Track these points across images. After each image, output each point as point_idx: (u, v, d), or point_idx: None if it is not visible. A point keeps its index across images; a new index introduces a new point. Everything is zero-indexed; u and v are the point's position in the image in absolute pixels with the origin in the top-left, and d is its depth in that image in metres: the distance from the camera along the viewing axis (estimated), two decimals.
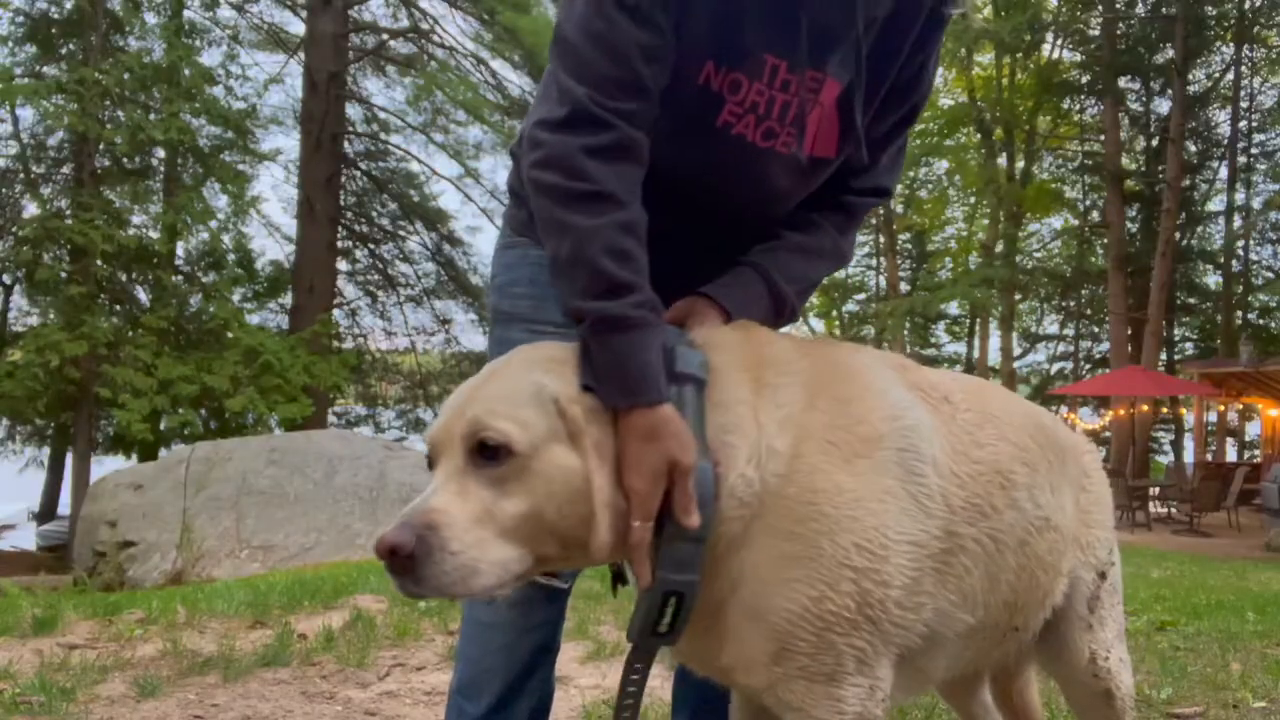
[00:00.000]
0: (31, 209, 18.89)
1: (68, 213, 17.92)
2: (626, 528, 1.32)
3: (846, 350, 1.59)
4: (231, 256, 20.66)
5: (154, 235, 19.30)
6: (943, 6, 1.61)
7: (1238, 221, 26.77)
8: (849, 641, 1.37)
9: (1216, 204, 28.08)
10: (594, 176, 1.39)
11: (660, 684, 2.66)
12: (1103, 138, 26.70)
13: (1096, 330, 31.04)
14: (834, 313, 35.28)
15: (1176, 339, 29.80)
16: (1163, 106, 27.11)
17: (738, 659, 1.40)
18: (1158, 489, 19.04)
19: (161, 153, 19.48)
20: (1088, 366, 30.96)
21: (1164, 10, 24.66)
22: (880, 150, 1.71)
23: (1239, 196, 26.70)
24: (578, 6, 1.45)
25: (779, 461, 1.37)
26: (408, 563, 1.23)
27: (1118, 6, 25.68)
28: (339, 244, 21.94)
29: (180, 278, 20.08)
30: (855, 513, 1.37)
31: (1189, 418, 26.59)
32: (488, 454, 1.29)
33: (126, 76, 17.79)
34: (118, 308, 19.33)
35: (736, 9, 1.50)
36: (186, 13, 19.97)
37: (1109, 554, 1.89)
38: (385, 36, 22.33)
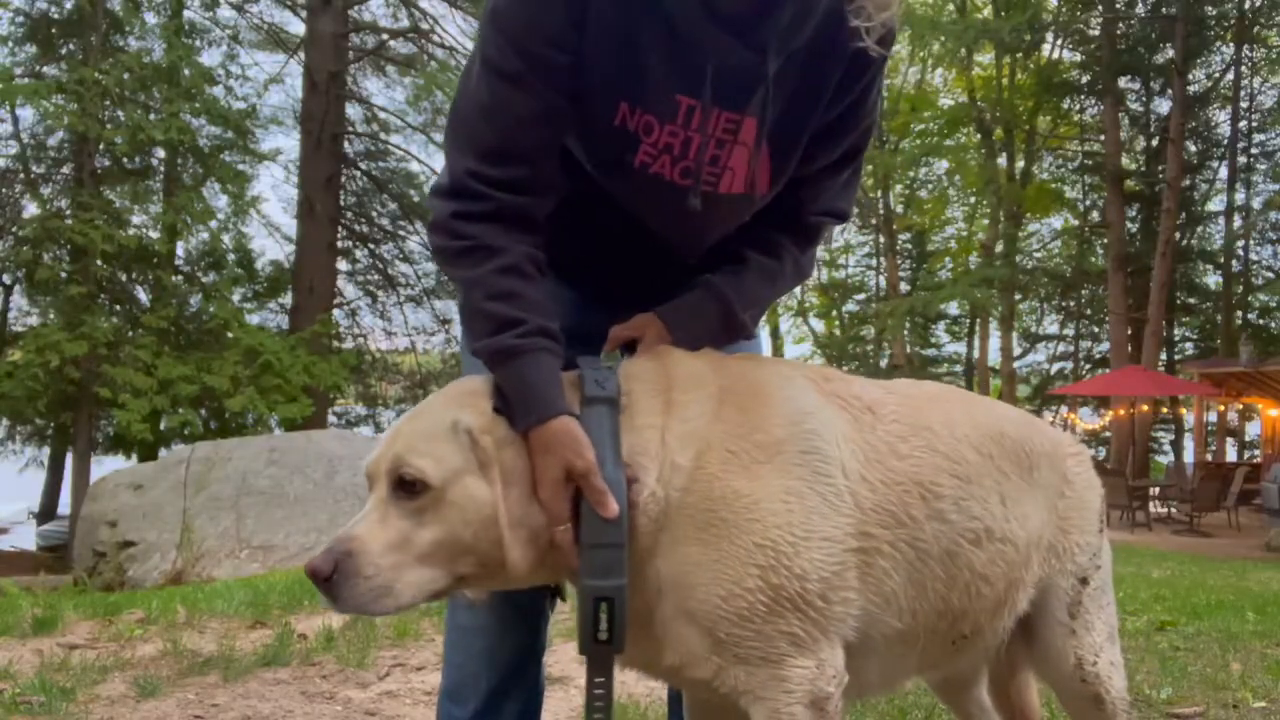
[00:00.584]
0: (31, 209, 18.91)
1: (68, 213, 17.93)
2: (549, 543, 1.42)
3: (760, 363, 1.68)
4: (231, 256, 20.66)
5: (154, 235, 19.30)
6: (866, 48, 1.58)
7: (1238, 221, 26.77)
8: (776, 627, 1.44)
9: (1216, 204, 28.11)
10: (468, 234, 1.51)
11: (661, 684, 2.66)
12: (1103, 138, 26.69)
13: (1096, 330, 31.04)
14: (834, 313, 35.27)
15: (1176, 339, 29.79)
16: (1163, 106, 27.12)
17: (680, 657, 1.48)
18: (1158, 489, 19.04)
19: (161, 153, 19.48)
20: (1088, 366, 30.95)
21: (1164, 10, 24.65)
22: (824, 184, 1.73)
23: (1239, 196, 26.72)
24: (470, 81, 1.55)
25: (681, 475, 1.47)
26: (328, 585, 1.38)
27: (1118, 6, 25.67)
28: (339, 244, 21.94)
29: (180, 278, 20.08)
30: (754, 514, 1.46)
31: (1189, 418, 26.59)
32: (406, 488, 1.42)
33: (126, 76, 17.79)
34: (118, 308, 19.33)
35: (643, 54, 1.52)
36: (186, 13, 19.98)
37: (1091, 559, 1.88)
38: (385, 36, 22.33)
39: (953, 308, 31.78)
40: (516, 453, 1.45)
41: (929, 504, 1.60)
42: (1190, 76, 25.14)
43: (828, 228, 1.82)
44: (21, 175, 19.31)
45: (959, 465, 1.65)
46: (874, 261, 34.85)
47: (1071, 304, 31.20)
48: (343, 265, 23.17)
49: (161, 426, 17.81)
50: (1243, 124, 26.49)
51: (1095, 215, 29.49)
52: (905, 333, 31.23)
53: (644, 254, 1.73)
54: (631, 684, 3.27)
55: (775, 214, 1.72)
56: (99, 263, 17.76)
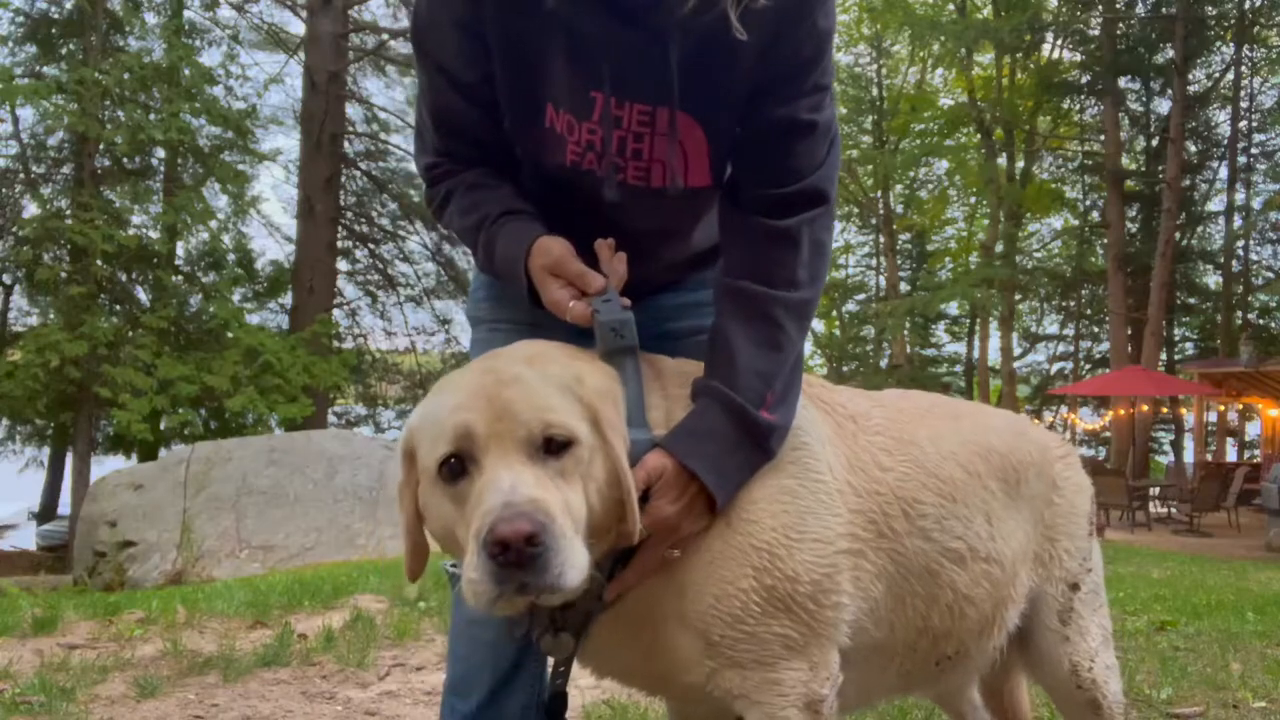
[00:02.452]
0: (31, 209, 18.90)
1: (68, 213, 17.93)
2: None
3: None
4: (231, 256, 20.66)
5: (154, 235, 19.30)
6: (775, 53, 1.46)
7: (1238, 221, 26.73)
8: (769, 630, 1.42)
9: (1216, 204, 28.09)
10: (438, 197, 1.68)
11: None
12: (1103, 138, 26.69)
13: (1096, 330, 31.03)
14: (834, 313, 35.28)
15: (1176, 339, 29.78)
16: (1163, 106, 27.10)
17: (674, 661, 1.45)
18: (1158, 489, 19.04)
19: (161, 153, 19.48)
20: (1088, 366, 30.94)
21: (1164, 10, 24.64)
22: (782, 160, 1.55)
23: (1239, 196, 26.68)
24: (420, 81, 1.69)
25: None
26: (533, 554, 1.18)
27: (1118, 6, 25.65)
28: (339, 244, 21.93)
29: (180, 278, 20.08)
30: (750, 514, 1.44)
31: (1189, 418, 26.57)
32: (553, 448, 1.29)
33: (126, 76, 17.79)
34: (118, 308, 19.31)
35: (549, 54, 1.51)
36: (186, 13, 19.99)
37: (1081, 563, 1.86)
38: (385, 36, 22.32)
39: (953, 308, 31.79)
40: (615, 409, 1.38)
41: (911, 520, 1.58)
42: (1190, 76, 25.13)
43: (810, 225, 1.55)
44: (21, 175, 19.29)
45: (945, 484, 1.64)
46: (874, 261, 34.87)
47: (1071, 304, 31.20)
48: (343, 265, 23.16)
49: (161, 426, 17.81)
50: (1243, 124, 26.47)
51: (1095, 215, 29.48)
52: (905, 333, 31.23)
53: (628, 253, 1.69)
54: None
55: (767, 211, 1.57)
56: (99, 263, 17.75)
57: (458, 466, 1.29)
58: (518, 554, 1.17)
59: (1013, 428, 1.87)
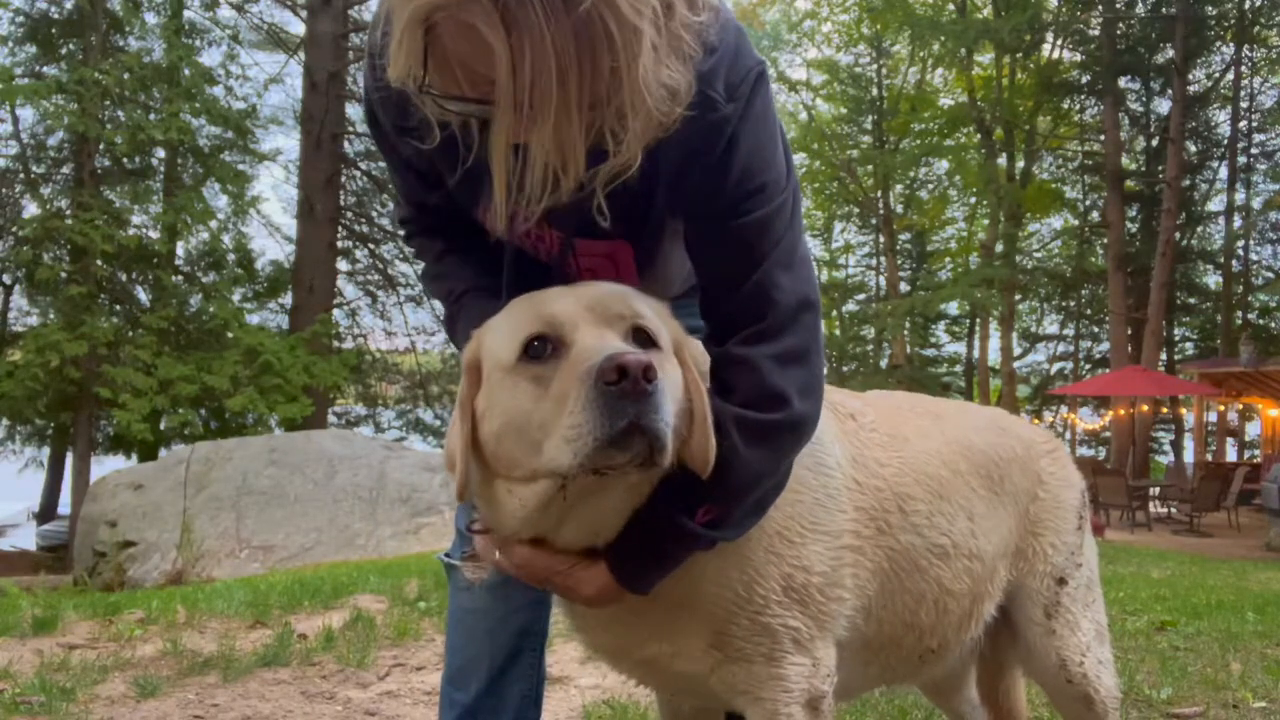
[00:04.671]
0: (31, 209, 18.93)
1: (68, 213, 17.94)
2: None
3: None
4: (231, 256, 20.68)
5: (154, 235, 19.32)
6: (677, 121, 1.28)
7: (1238, 221, 26.74)
8: (782, 622, 1.41)
9: (1216, 204, 28.09)
10: (414, 249, 1.69)
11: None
12: (1103, 138, 26.68)
13: (1096, 330, 31.05)
14: (834, 313, 35.29)
15: (1176, 339, 29.78)
16: (1163, 106, 27.10)
17: (678, 647, 1.43)
18: (1158, 489, 19.03)
19: (161, 153, 19.51)
20: (1088, 366, 30.95)
21: (1164, 10, 24.64)
22: (732, 301, 1.41)
23: (1239, 196, 26.70)
24: None
25: None
26: (648, 389, 1.14)
27: (1118, 6, 25.65)
28: (339, 244, 21.94)
29: (180, 278, 20.09)
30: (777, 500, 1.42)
31: (1189, 418, 26.58)
32: (640, 341, 1.29)
33: (126, 76, 17.80)
34: (118, 308, 19.34)
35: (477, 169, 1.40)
36: (186, 13, 19.99)
37: (1069, 557, 1.86)
38: None
39: (953, 308, 31.80)
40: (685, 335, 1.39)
41: (905, 515, 1.59)
42: (1190, 76, 25.13)
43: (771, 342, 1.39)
44: (21, 175, 19.31)
45: (932, 480, 1.65)
46: (874, 261, 34.87)
47: (1071, 304, 31.21)
48: (343, 265, 23.17)
49: (161, 426, 17.82)
50: (1243, 124, 26.47)
51: (1095, 215, 29.48)
52: (905, 333, 31.23)
53: None
54: (633, 684, 3.27)
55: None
56: (99, 263, 17.77)
57: (543, 347, 1.25)
58: (635, 383, 1.13)
59: (994, 424, 1.88)
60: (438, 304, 1.72)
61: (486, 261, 1.60)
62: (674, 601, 1.41)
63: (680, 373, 1.31)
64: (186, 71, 18.39)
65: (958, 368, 33.80)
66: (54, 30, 19.19)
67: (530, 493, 1.27)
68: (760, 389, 1.36)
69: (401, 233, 1.73)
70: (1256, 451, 25.56)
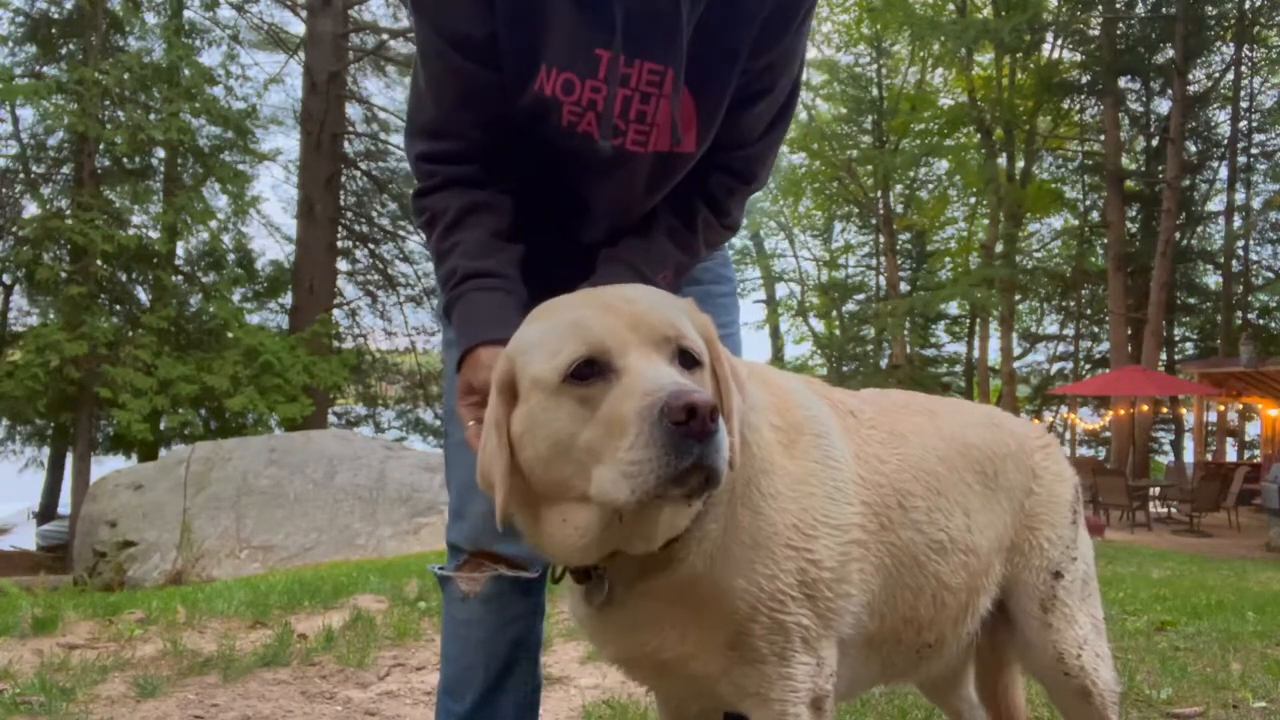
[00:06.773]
0: (31, 209, 18.93)
1: (68, 213, 17.94)
2: None
3: (764, 366, 1.68)
4: (231, 256, 20.69)
5: (154, 235, 19.31)
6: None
7: (1238, 221, 26.74)
8: (795, 620, 1.41)
9: (1216, 204, 28.09)
10: (423, 207, 1.61)
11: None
12: (1103, 138, 26.69)
13: (1096, 330, 31.03)
14: (834, 313, 35.28)
15: (1176, 339, 29.78)
16: (1163, 106, 27.11)
17: (698, 645, 1.41)
18: (1158, 489, 19.04)
19: (161, 153, 19.50)
20: (1088, 366, 30.95)
21: (1164, 10, 24.65)
22: (747, 146, 1.68)
23: (1239, 196, 26.69)
24: (414, 73, 1.62)
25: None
26: (712, 429, 1.13)
27: (1118, 6, 25.65)
28: (339, 244, 21.95)
29: (180, 278, 20.10)
30: (793, 492, 1.43)
31: (1189, 418, 26.58)
32: (686, 362, 1.27)
33: (126, 76, 17.81)
34: (118, 308, 19.34)
35: (554, 11, 1.48)
36: (186, 13, 20.00)
37: (1064, 551, 1.86)
38: (385, 36, 22.33)
39: (953, 308, 31.81)
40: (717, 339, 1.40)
41: (905, 511, 1.60)
42: (1190, 76, 25.13)
43: (742, 194, 1.72)
44: (21, 175, 19.31)
45: (930, 477, 1.67)
46: (874, 261, 34.86)
47: (1071, 304, 31.21)
48: (343, 265, 23.18)
49: (161, 426, 17.82)
50: (1243, 124, 26.47)
51: (1095, 215, 29.48)
52: (905, 333, 31.23)
53: (569, 233, 1.70)
54: (633, 683, 3.27)
55: (690, 178, 1.66)
56: (99, 263, 17.78)
57: (589, 369, 1.22)
58: (702, 424, 1.11)
59: (988, 420, 1.89)
60: (437, 304, 1.70)
61: (500, 228, 1.59)
62: (701, 598, 1.39)
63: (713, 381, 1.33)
64: (186, 71, 18.39)
65: (958, 368, 33.79)
66: (54, 30, 19.19)
67: (585, 522, 1.25)
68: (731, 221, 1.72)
69: (418, 172, 1.63)
70: (1256, 451, 25.55)
